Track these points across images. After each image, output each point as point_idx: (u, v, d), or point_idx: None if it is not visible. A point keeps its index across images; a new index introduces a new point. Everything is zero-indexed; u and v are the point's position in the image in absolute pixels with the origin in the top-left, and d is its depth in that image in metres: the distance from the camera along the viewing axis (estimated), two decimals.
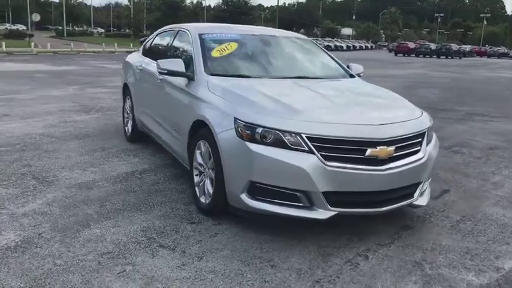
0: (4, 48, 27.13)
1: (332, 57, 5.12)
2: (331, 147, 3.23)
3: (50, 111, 8.30)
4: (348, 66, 5.06)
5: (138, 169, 5.01)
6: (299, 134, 3.22)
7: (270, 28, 5.89)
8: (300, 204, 3.29)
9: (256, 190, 3.32)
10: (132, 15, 55.31)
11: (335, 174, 3.21)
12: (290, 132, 3.22)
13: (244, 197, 3.36)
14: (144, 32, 53.57)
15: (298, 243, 3.41)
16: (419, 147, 3.60)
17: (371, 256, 3.29)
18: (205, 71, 4.20)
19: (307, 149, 3.20)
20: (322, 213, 3.29)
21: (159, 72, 4.35)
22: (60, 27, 63.61)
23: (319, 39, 63.43)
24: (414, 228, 3.83)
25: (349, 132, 3.29)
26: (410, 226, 3.87)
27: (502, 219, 4.12)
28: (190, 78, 4.22)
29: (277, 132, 3.23)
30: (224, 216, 3.70)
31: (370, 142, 3.29)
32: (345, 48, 63.89)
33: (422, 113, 3.95)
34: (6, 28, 55.86)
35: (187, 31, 4.87)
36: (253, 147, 3.25)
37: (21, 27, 63.85)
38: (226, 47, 4.56)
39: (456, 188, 4.94)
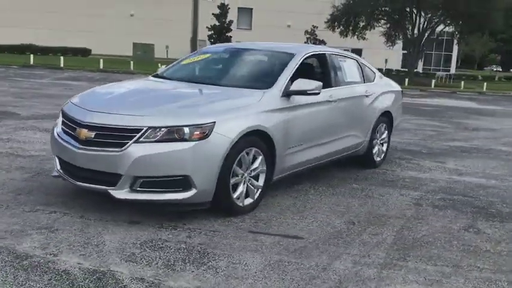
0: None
1: (284, 73, 4.78)
2: (66, 123, 4.24)
3: None
4: (291, 83, 4.69)
5: None
6: (62, 111, 4.42)
7: (273, 43, 5.76)
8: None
9: None
10: None
11: (55, 142, 4.22)
12: (61, 111, 4.46)
13: None
14: None
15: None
16: (127, 141, 3.79)
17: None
18: (154, 73, 5.48)
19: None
20: (54, 172, 4.34)
21: None
22: None
23: None
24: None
25: (73, 113, 4.16)
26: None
27: None
28: None
29: (62, 111, 4.52)
30: None
31: (78, 123, 4.02)
32: None
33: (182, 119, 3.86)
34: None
35: None
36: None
37: None
38: (198, 57, 5.53)
39: None
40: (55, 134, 4.22)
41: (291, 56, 5.02)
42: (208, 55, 5.57)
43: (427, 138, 9.33)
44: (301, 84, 4.62)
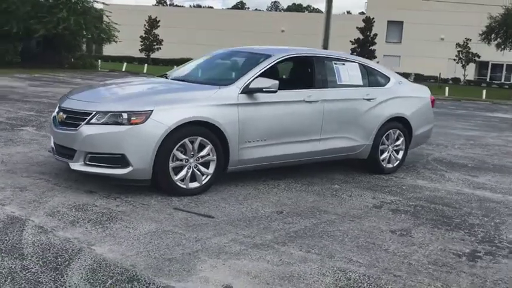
0: None
1: (249, 73, 5.14)
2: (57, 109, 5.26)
3: None
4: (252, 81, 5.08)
5: None
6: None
7: (267, 46, 5.97)
8: None
9: None
10: None
11: (50, 125, 5.26)
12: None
13: None
14: None
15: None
16: (81, 123, 4.63)
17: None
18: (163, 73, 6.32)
19: None
20: (49, 148, 5.38)
21: None
22: None
23: None
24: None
25: (61, 100, 5.16)
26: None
27: None
28: None
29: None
30: None
31: (59, 108, 5.03)
32: None
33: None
34: None
35: None
36: None
37: None
38: (202, 58, 6.23)
39: None
40: (51, 118, 5.24)
41: (266, 57, 5.39)
42: (207, 57, 6.20)
43: (497, 154, 8.59)
44: (258, 82, 4.98)
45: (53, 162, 5.71)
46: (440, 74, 37.10)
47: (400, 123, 6.36)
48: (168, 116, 4.53)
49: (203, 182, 4.82)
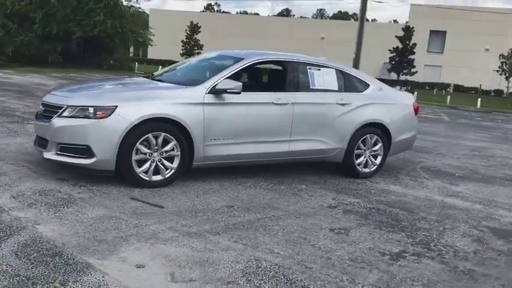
0: None
1: (218, 74, 5.41)
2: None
3: None
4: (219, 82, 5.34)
5: None
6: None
7: (255, 51, 6.16)
8: None
9: None
10: None
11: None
12: None
13: None
14: None
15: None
16: (53, 115, 5.04)
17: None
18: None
19: None
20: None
21: None
22: None
23: None
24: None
25: (44, 96, 5.61)
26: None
27: None
28: None
29: None
30: None
31: (41, 102, 5.48)
32: None
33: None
34: None
35: None
36: None
37: None
38: (184, 62, 6.57)
39: None
40: (36, 112, 5.70)
41: (238, 60, 5.66)
42: (193, 59, 6.55)
43: (495, 166, 8.50)
44: (224, 84, 5.26)
45: None
46: (480, 85, 36.14)
47: (378, 128, 6.46)
48: (131, 111, 4.86)
49: (166, 176, 5.12)
